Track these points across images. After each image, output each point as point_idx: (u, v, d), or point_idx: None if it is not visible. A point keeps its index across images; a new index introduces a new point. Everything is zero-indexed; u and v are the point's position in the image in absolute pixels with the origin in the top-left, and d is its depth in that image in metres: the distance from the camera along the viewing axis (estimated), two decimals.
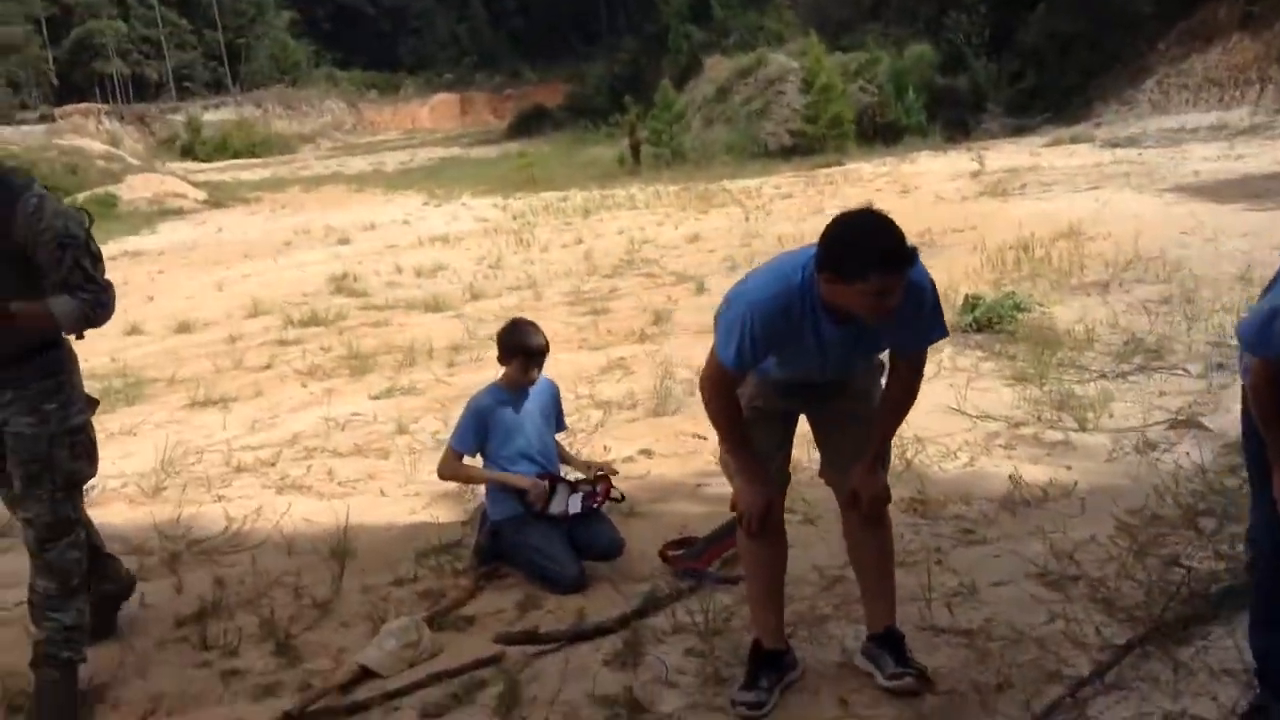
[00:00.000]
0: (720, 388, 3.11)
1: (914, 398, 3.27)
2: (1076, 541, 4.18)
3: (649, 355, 7.96)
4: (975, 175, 17.81)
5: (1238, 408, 5.38)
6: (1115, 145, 20.48)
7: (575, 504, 4.35)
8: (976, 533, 4.40)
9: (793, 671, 3.41)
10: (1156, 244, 10.06)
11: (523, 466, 4.42)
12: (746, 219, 15.74)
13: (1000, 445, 5.35)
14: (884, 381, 3.32)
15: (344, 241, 17.68)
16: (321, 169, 42.10)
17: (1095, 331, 7.12)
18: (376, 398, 7.47)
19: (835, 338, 3.02)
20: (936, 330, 3.12)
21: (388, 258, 15.12)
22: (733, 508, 3.28)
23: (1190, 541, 4.07)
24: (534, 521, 4.33)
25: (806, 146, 24.46)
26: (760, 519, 3.23)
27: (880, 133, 25.36)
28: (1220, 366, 6.07)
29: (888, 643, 3.37)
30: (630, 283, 11.54)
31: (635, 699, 3.38)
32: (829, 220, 2.95)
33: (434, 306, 10.98)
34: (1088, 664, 3.34)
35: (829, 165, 22.90)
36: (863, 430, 3.28)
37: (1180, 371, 6.20)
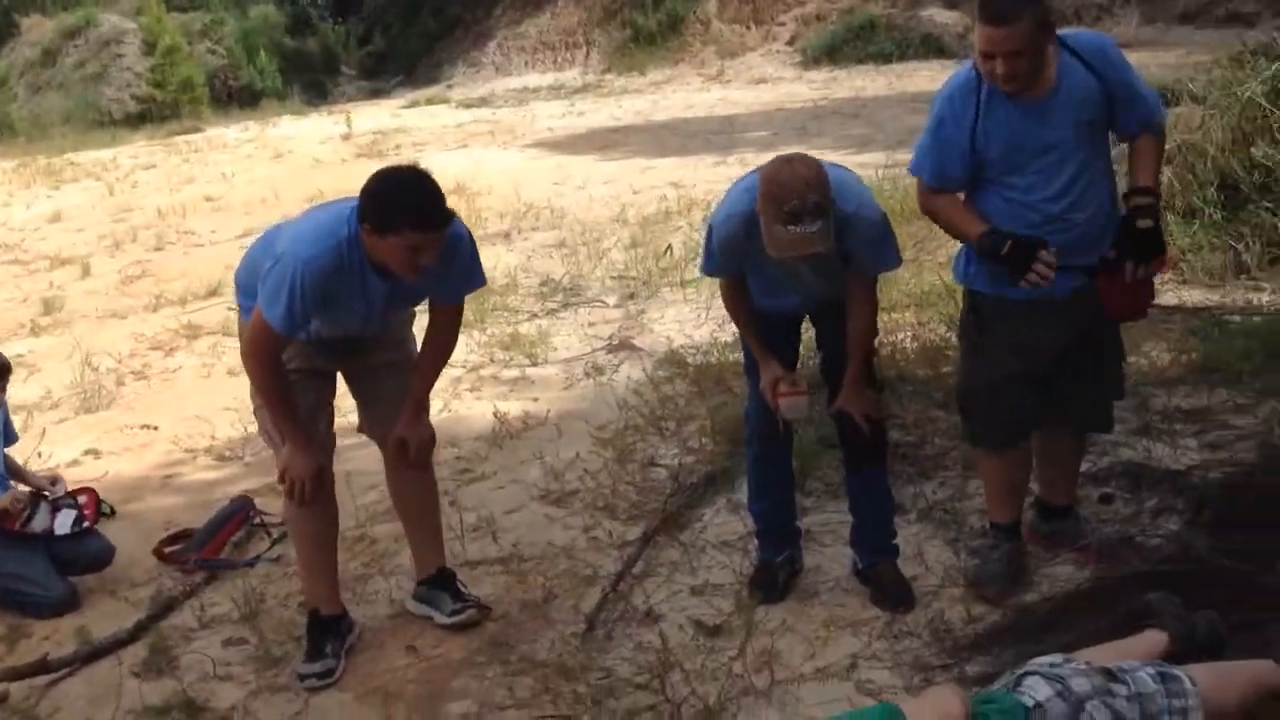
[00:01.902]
0: (267, 352, 2.97)
1: (453, 345, 3.37)
2: (566, 461, 4.56)
3: (53, 349, 7.11)
4: (346, 138, 17.87)
5: (659, 328, 6.19)
6: (470, 106, 21.65)
7: (63, 523, 3.86)
8: (475, 470, 4.62)
9: (352, 634, 3.38)
10: (537, 195, 10.92)
11: None
12: (111, 193, 14.41)
13: (468, 389, 5.61)
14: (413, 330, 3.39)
15: None
16: None
17: (515, 277, 7.63)
18: None
19: (381, 292, 3.01)
20: (475, 279, 3.23)
21: None
22: (281, 478, 3.15)
23: (659, 444, 4.63)
24: (3, 544, 3.78)
25: (157, 113, 22.81)
26: (313, 486, 3.14)
27: (236, 96, 24.41)
28: (632, 296, 6.86)
29: (440, 582, 3.47)
30: None
31: (190, 699, 3.16)
32: (371, 173, 2.94)
33: None
34: (613, 562, 3.72)
35: (187, 132, 21.57)
36: (400, 378, 3.31)
37: (599, 304, 6.89)
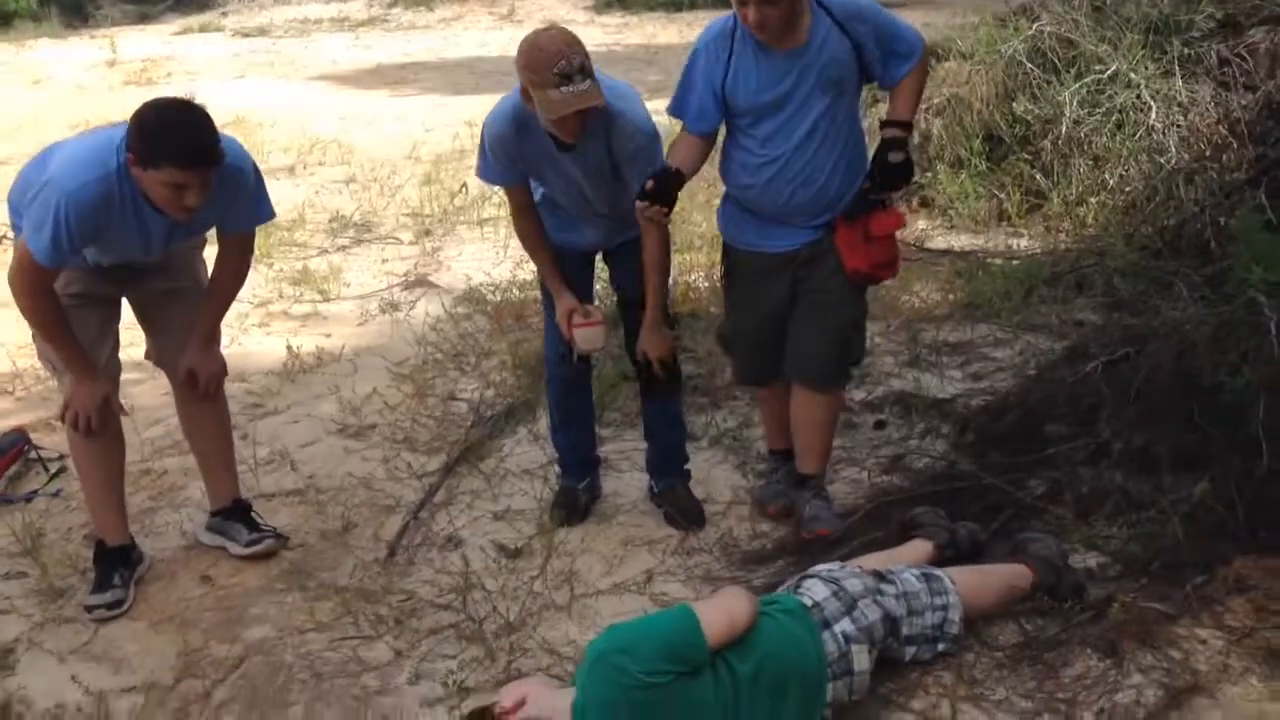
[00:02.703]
0: (35, 284, 2.82)
1: (244, 277, 3.28)
2: (362, 396, 4.52)
3: None
4: (112, 65, 16.76)
5: (457, 265, 6.18)
6: (247, 35, 20.58)
7: None
8: (267, 404, 4.52)
9: (142, 565, 3.30)
10: (323, 130, 10.57)
11: None
12: None
13: (256, 325, 5.44)
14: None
15: None
16: None
17: (303, 213, 7.41)
18: None
19: (159, 224, 2.88)
20: (262, 210, 3.13)
21: None
22: (64, 409, 3.01)
23: (459, 379, 4.64)
24: None
25: None
26: (100, 416, 3.02)
27: None
28: (428, 233, 6.79)
29: (235, 513, 3.42)
30: None
31: None
32: (141, 101, 2.80)
33: None
34: (413, 493, 3.74)
35: None
36: (189, 305, 3.21)
37: (393, 240, 6.78)
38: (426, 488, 3.74)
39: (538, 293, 5.40)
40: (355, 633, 2.99)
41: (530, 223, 3.25)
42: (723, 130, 3.18)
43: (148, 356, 3.40)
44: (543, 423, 4.14)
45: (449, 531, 3.48)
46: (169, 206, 2.76)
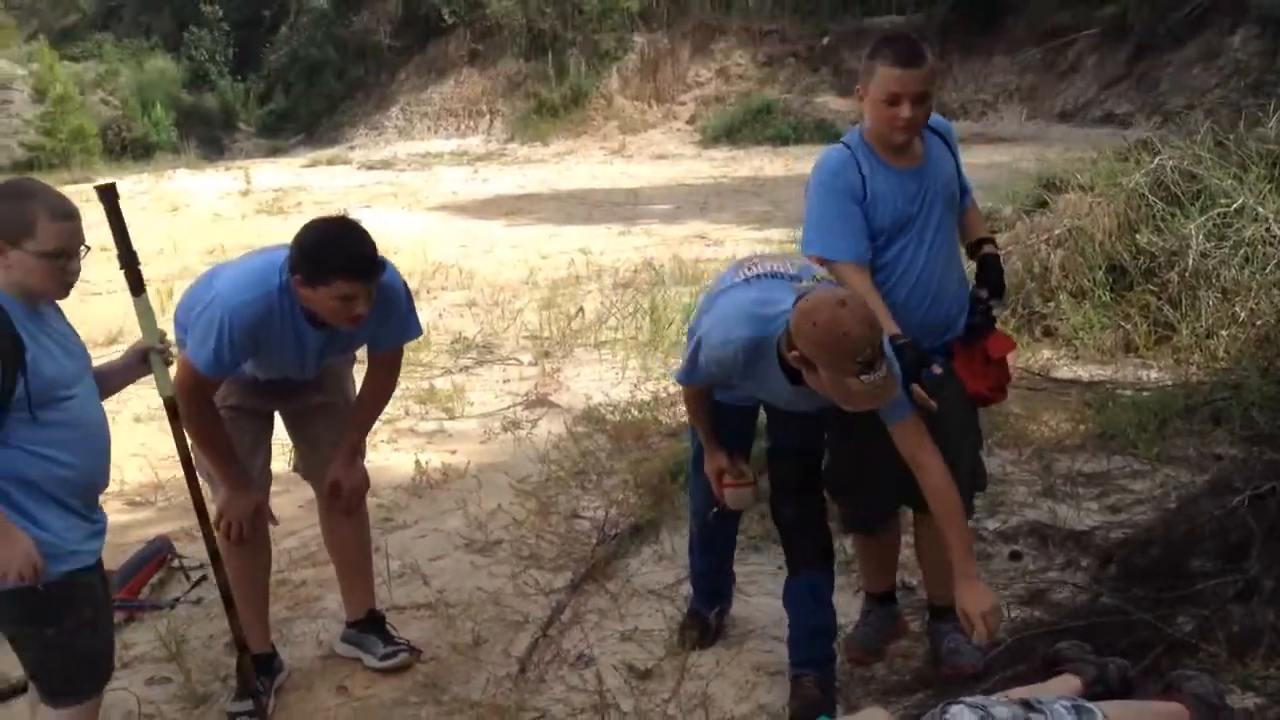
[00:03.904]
0: (198, 395, 2.96)
1: (391, 392, 3.41)
2: (488, 512, 4.59)
3: None
4: (245, 194, 17.69)
5: (576, 385, 6.28)
6: (372, 167, 21.63)
7: None
8: (396, 518, 4.61)
9: (282, 673, 3.35)
10: (444, 256, 10.97)
11: None
12: None
13: (385, 441, 5.59)
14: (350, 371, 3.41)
15: None
16: None
17: (428, 334, 7.63)
18: None
19: (315, 340, 3.03)
20: (411, 328, 3.26)
21: None
22: (218, 520, 3.11)
23: (581, 496, 4.69)
24: None
25: (46, 161, 22.17)
26: (250, 525, 3.13)
27: (129, 148, 23.89)
28: (547, 355, 6.94)
29: (370, 625, 3.47)
30: None
31: None
32: (303, 224, 2.97)
33: None
34: (540, 609, 3.76)
35: (77, 182, 21.01)
36: (337, 419, 3.33)
37: (514, 361, 6.95)
38: (554, 605, 3.75)
39: (657, 414, 5.52)
40: None
41: (704, 393, 3.12)
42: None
43: (295, 469, 3.52)
44: (667, 543, 4.15)
45: (578, 650, 3.48)
46: (338, 318, 2.89)
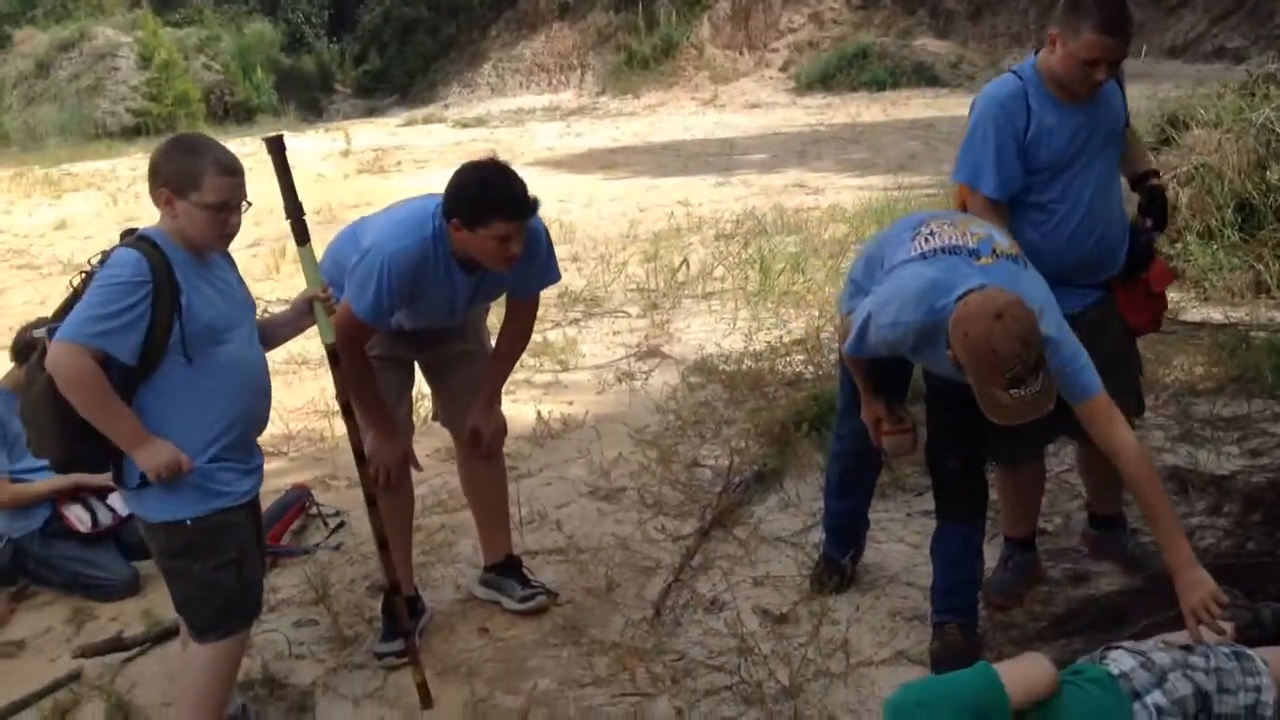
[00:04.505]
0: (355, 341, 3.02)
1: (528, 339, 3.46)
2: (609, 460, 4.63)
3: None
4: (346, 154, 17.96)
5: (686, 337, 6.27)
6: (466, 125, 21.81)
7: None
8: (520, 467, 4.67)
9: (424, 616, 3.44)
10: (544, 211, 10.90)
11: (46, 473, 3.85)
12: (114, 203, 14.43)
13: (504, 392, 5.65)
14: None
15: None
16: None
17: None
18: None
19: (465, 286, 3.08)
20: (551, 272, 3.30)
21: None
22: (368, 461, 3.18)
23: (699, 446, 4.70)
24: (62, 531, 3.82)
25: (153, 126, 22.79)
26: (399, 472, 3.21)
27: (232, 112, 24.45)
28: (655, 307, 6.96)
29: (510, 569, 3.54)
30: (6, 277, 10.09)
31: (271, 676, 3.21)
32: (456, 169, 3.01)
33: None
34: (670, 555, 3.79)
35: None
36: (476, 367, 3.39)
37: (622, 314, 6.98)
38: (683, 550, 3.78)
39: (771, 363, 5.50)
40: (633, 689, 3.03)
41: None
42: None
43: (434, 418, 3.59)
44: (792, 490, 4.15)
45: (712, 594, 3.50)
46: (494, 259, 2.95)
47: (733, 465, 4.39)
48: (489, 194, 2.92)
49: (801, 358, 5.58)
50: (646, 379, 5.69)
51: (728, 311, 6.67)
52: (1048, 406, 2.57)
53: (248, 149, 20.29)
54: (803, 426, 4.52)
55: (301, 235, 2.87)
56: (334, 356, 2.91)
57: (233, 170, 2.56)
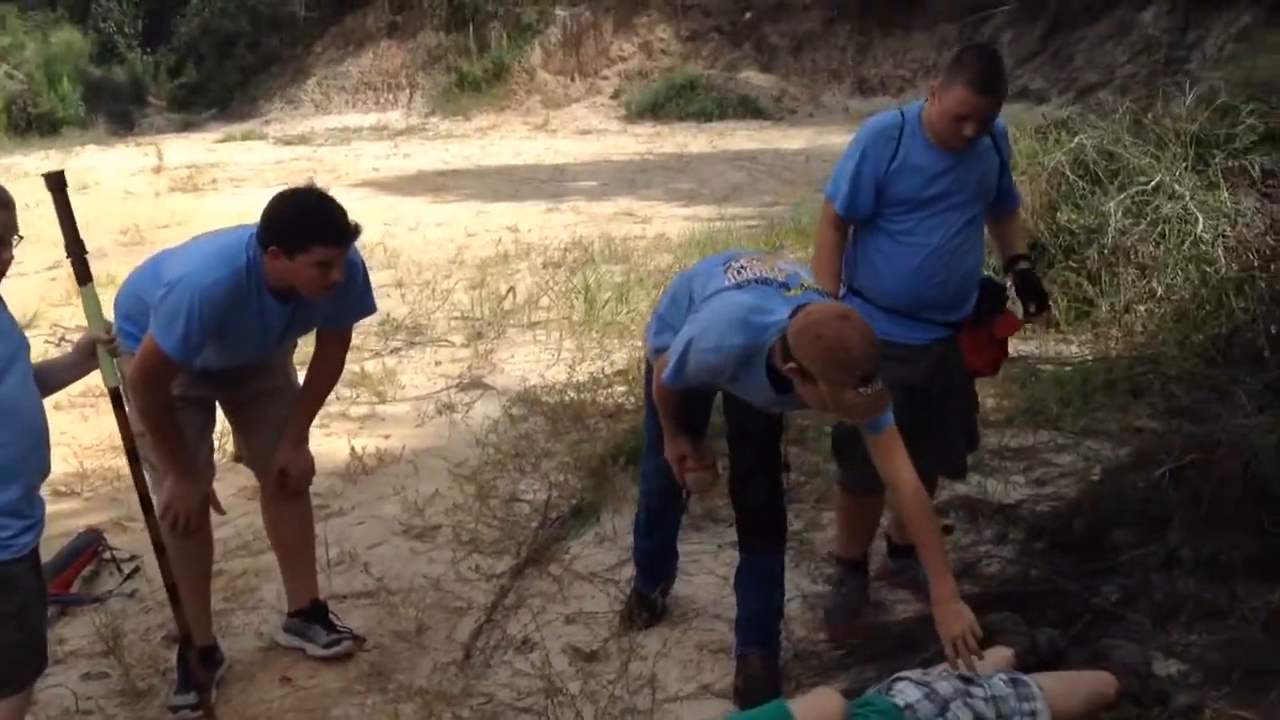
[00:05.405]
0: (157, 380, 2.91)
1: (339, 374, 3.39)
2: (425, 497, 4.57)
3: None
4: (158, 171, 17.24)
5: (510, 367, 6.25)
6: (288, 143, 21.23)
7: None
8: (332, 505, 4.56)
9: (223, 666, 3.33)
10: (368, 235, 10.69)
11: None
12: None
13: (316, 426, 5.44)
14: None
15: None
16: None
17: None
18: None
19: (279, 318, 3.01)
20: (367, 304, 3.26)
21: None
22: (164, 511, 3.06)
23: (519, 480, 4.69)
24: None
25: None
26: (198, 518, 3.09)
27: (35, 124, 23.17)
28: (479, 335, 6.91)
29: (315, 614, 3.45)
30: None
31: None
32: (271, 197, 2.94)
33: None
34: (483, 595, 3.76)
35: None
36: (282, 404, 3.30)
37: (445, 343, 6.91)
38: (496, 589, 3.76)
39: (595, 395, 5.54)
40: None
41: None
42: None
43: (237, 458, 3.48)
44: (609, 525, 4.18)
45: (523, 634, 3.49)
46: (314, 287, 2.89)
47: (550, 500, 4.40)
48: (309, 220, 2.88)
49: (623, 389, 5.63)
50: (468, 411, 5.64)
51: (553, 341, 6.68)
52: (887, 407, 2.71)
53: (51, 163, 19.39)
54: (620, 460, 4.56)
55: (83, 275, 2.75)
56: (118, 400, 2.78)
57: (3, 203, 2.42)
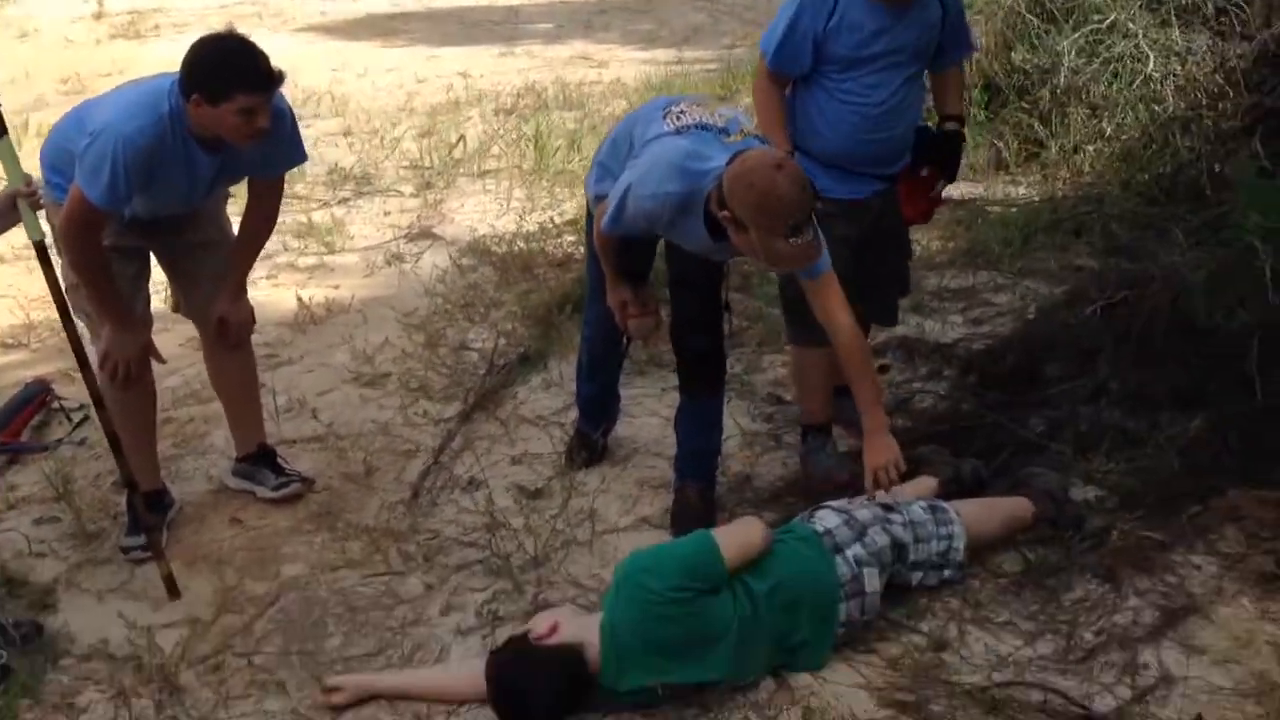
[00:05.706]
0: (86, 230, 2.88)
1: (273, 224, 3.37)
2: (374, 346, 4.60)
3: None
4: (98, 17, 16.60)
5: (460, 217, 6.22)
6: None
7: None
8: (280, 355, 4.59)
9: (172, 509, 3.40)
10: (315, 81, 10.52)
11: None
12: None
13: (264, 277, 5.48)
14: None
15: None
16: None
17: (302, 166, 7.41)
18: None
19: (206, 167, 2.97)
20: (297, 153, 3.23)
21: None
22: (103, 361, 3.08)
23: (468, 328, 4.72)
24: None
25: None
26: (137, 367, 3.11)
27: None
28: (429, 185, 6.84)
29: (261, 458, 3.52)
30: None
31: (9, 576, 3.13)
32: (190, 44, 2.87)
33: None
34: (431, 438, 3.85)
35: None
36: (218, 256, 3.29)
37: (394, 192, 6.83)
38: (444, 434, 3.84)
39: (544, 244, 5.54)
40: (386, 569, 3.11)
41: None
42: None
43: (174, 309, 3.48)
44: (555, 371, 4.25)
45: (469, 475, 3.59)
46: (239, 135, 2.85)
47: (498, 348, 4.44)
48: (231, 66, 2.82)
49: (572, 238, 5.62)
50: (417, 261, 5.62)
51: (503, 191, 6.62)
52: (818, 256, 2.72)
53: None
54: (567, 308, 4.60)
55: None
56: (42, 254, 2.77)
57: None
